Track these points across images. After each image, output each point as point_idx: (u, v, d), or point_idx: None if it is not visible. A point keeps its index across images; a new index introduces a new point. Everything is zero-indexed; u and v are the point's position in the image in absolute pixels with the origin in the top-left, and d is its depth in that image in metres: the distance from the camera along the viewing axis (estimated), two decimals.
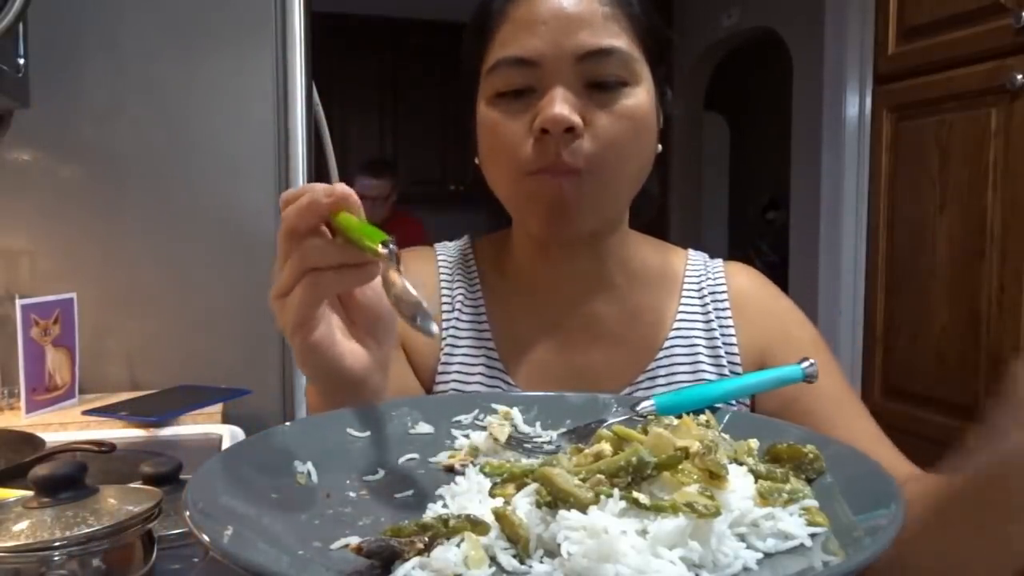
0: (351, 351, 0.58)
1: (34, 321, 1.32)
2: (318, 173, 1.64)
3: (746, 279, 0.84)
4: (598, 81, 0.70)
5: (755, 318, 0.80)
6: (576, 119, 0.68)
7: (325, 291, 0.56)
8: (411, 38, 4.54)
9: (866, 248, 2.43)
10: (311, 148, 1.59)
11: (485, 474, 0.49)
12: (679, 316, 0.80)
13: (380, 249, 0.50)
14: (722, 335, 0.79)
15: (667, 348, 0.79)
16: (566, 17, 0.69)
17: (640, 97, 0.71)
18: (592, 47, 0.69)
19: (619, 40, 0.70)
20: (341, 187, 0.54)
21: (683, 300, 0.81)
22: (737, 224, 4.92)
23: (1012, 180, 1.90)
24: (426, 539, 0.39)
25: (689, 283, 0.82)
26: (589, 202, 0.71)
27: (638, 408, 0.58)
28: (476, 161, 0.78)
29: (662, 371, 0.78)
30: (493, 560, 0.39)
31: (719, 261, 0.85)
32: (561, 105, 0.67)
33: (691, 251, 0.86)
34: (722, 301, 0.81)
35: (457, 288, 0.83)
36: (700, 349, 0.79)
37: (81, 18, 1.49)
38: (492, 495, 0.45)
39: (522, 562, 0.39)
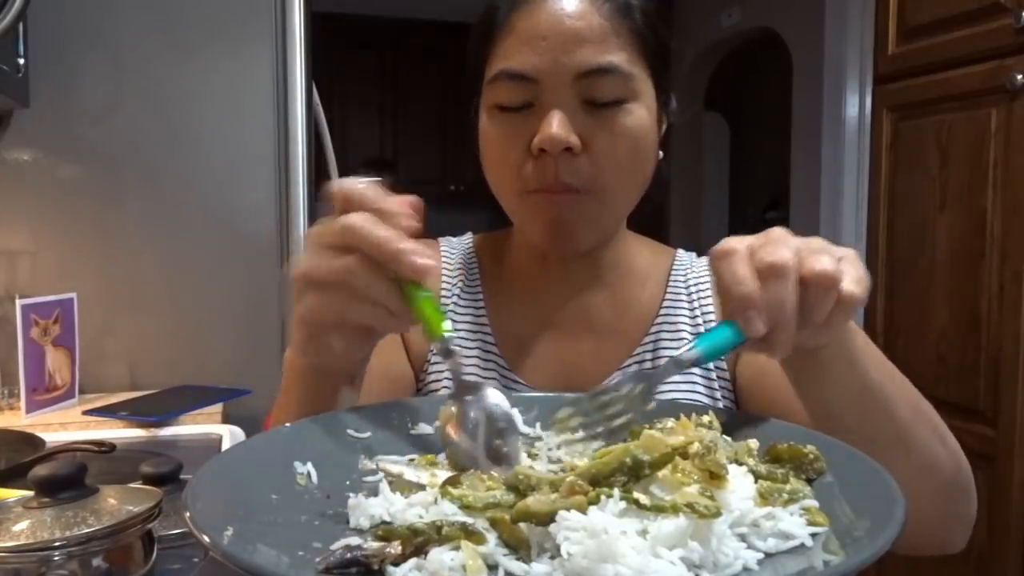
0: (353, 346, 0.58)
1: (34, 321, 1.32)
2: (318, 173, 1.64)
3: None
4: (596, 99, 0.70)
5: None
6: (573, 139, 0.68)
7: (355, 317, 0.55)
8: (411, 38, 4.54)
9: (866, 248, 2.43)
10: (311, 148, 1.59)
11: (458, 505, 0.45)
12: (665, 305, 0.82)
13: (445, 337, 0.53)
14: (704, 323, 0.81)
15: (653, 333, 0.81)
16: (566, 33, 0.69)
17: (639, 114, 0.72)
18: (590, 66, 0.69)
19: (619, 57, 0.70)
20: (429, 261, 0.53)
21: (669, 292, 0.83)
22: (737, 224, 4.91)
23: (1012, 180, 1.89)
24: (400, 548, 0.39)
25: (676, 278, 0.84)
26: (589, 221, 0.73)
27: (681, 359, 0.53)
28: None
29: (648, 355, 0.80)
30: (492, 568, 0.39)
31: (704, 258, 0.87)
32: (559, 126, 0.68)
33: (679, 250, 0.88)
34: (705, 292, 0.83)
35: (457, 279, 0.85)
36: (685, 336, 0.81)
37: (80, 18, 1.49)
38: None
39: (526, 562, 0.39)
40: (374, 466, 0.52)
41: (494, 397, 0.54)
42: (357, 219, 0.53)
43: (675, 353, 0.52)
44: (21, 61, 1.40)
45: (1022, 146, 1.87)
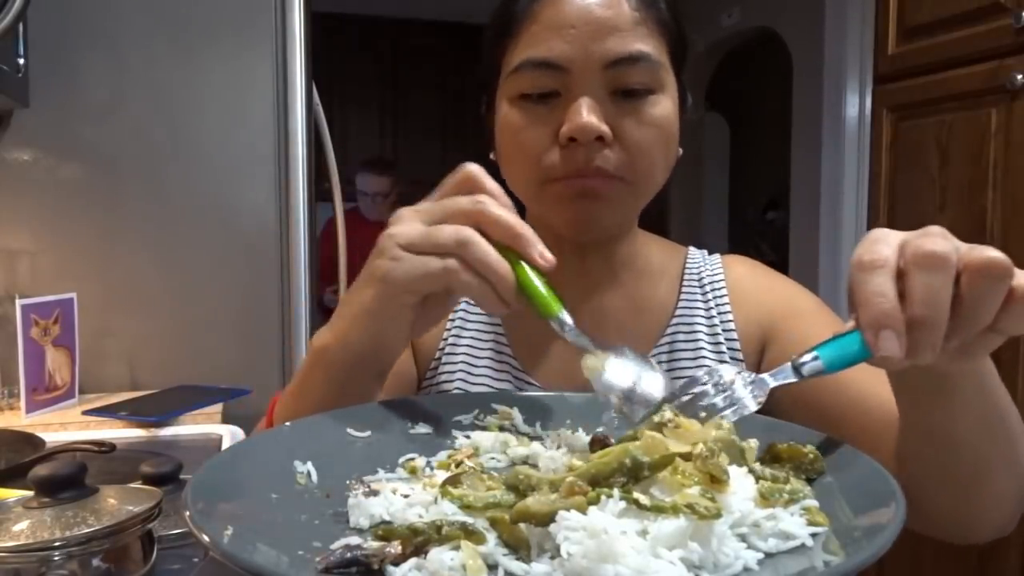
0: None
1: (34, 321, 1.32)
2: (318, 173, 1.64)
3: (742, 268, 0.85)
4: (625, 88, 0.69)
5: (754, 302, 0.81)
6: (605, 128, 0.67)
7: (460, 289, 0.55)
8: (411, 38, 4.54)
9: None
10: (311, 148, 1.59)
11: (458, 505, 0.45)
12: (681, 306, 0.81)
13: (563, 320, 0.55)
14: (721, 322, 0.81)
15: (669, 335, 0.80)
16: (595, 21, 0.68)
17: (665, 104, 0.71)
18: (620, 54, 0.68)
19: (648, 45, 0.69)
20: (549, 255, 0.55)
21: (684, 292, 0.82)
22: (737, 224, 4.91)
23: (1012, 180, 1.89)
24: (400, 548, 0.39)
25: (689, 276, 0.84)
26: (614, 204, 0.71)
27: (802, 368, 0.50)
28: (491, 157, 0.78)
29: (664, 355, 0.79)
30: (492, 568, 0.39)
31: (716, 255, 0.87)
32: (589, 114, 0.67)
33: (691, 248, 0.88)
34: (720, 291, 0.82)
35: None
36: (701, 336, 0.80)
37: (81, 18, 1.49)
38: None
39: (526, 562, 0.39)
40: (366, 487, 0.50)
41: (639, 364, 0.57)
42: (487, 199, 0.56)
43: (795, 359, 0.49)
44: (21, 61, 1.40)
45: (1022, 146, 1.87)
